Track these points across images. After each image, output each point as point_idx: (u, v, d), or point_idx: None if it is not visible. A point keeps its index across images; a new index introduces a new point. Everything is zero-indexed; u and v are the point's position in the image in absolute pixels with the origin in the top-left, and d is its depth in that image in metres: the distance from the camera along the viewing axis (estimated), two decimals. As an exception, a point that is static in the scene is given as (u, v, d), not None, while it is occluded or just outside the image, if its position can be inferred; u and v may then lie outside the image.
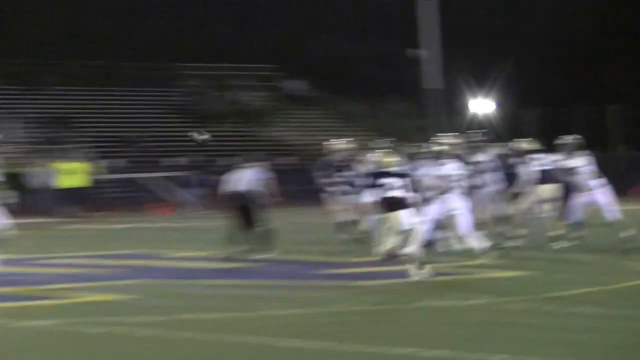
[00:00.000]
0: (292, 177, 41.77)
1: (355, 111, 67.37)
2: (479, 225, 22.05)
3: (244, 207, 23.29)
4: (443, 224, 21.95)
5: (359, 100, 68.10)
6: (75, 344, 12.83)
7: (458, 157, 22.27)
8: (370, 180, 19.73)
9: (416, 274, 17.95)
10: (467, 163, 22.57)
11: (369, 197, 20.10)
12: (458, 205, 21.19)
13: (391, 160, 19.40)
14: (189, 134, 49.05)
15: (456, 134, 25.69)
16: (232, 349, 12.30)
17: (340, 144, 24.77)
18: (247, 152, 25.96)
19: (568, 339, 12.20)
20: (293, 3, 75.28)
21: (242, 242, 23.16)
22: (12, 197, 20.39)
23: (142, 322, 14.03)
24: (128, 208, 44.64)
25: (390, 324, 14.10)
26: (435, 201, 21.14)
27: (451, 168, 21.62)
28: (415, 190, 19.22)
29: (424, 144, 24.48)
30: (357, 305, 15.60)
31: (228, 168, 24.59)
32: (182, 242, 27.53)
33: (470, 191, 22.13)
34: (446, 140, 23.05)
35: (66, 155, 44.63)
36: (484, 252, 20.65)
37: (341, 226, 23.96)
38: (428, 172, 21.59)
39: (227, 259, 22.21)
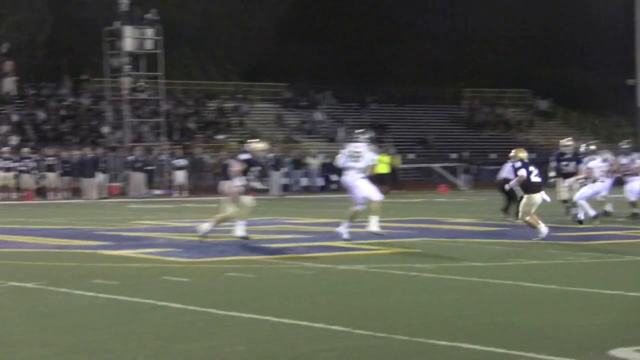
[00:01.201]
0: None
1: (585, 123, 66.96)
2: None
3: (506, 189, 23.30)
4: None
5: (588, 114, 67.73)
6: (380, 282, 12.81)
7: None
8: None
9: None
10: None
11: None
12: None
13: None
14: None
15: None
16: (488, 287, 12.18)
17: (566, 142, 24.62)
18: (506, 152, 25.57)
19: None
20: (531, 40, 74.81)
21: (507, 213, 23.19)
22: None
23: (425, 268, 14.02)
24: (419, 188, 44.82)
25: (606, 271, 13.78)
26: None
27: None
28: None
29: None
30: (577, 259, 15.28)
31: (495, 162, 24.91)
32: (456, 212, 27.43)
33: None
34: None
35: (378, 151, 44.99)
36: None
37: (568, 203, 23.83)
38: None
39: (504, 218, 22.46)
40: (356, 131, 19.15)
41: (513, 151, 19.84)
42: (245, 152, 18.55)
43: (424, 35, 72.96)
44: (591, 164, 23.00)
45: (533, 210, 18.42)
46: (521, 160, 19.03)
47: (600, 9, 70.63)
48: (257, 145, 18.71)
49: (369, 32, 75.29)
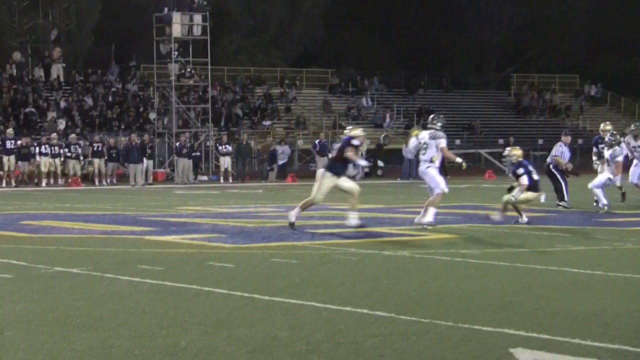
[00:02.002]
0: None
1: (633, 107, 66.50)
2: None
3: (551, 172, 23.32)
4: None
5: (636, 99, 67.37)
6: (425, 267, 12.78)
7: None
8: None
9: None
10: None
11: None
12: None
13: None
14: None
15: None
16: (533, 273, 12.10)
17: (604, 127, 24.26)
18: (554, 138, 25.45)
19: None
20: (585, 30, 74.24)
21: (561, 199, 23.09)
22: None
23: (470, 254, 13.97)
24: (465, 174, 44.43)
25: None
26: None
27: None
28: None
29: None
30: (623, 244, 15.16)
31: (543, 147, 24.74)
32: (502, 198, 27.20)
33: None
34: None
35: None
36: None
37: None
38: None
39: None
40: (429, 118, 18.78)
41: (507, 150, 19.70)
42: (350, 137, 17.82)
43: (472, 21, 72.60)
44: (606, 153, 22.79)
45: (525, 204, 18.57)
46: (519, 161, 18.93)
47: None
48: (358, 132, 18.24)
49: (416, 18, 75.09)
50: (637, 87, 70.41)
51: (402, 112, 59.16)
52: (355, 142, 17.75)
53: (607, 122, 25.17)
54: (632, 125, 26.16)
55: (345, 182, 17.90)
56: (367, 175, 42.11)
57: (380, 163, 47.07)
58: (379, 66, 67.10)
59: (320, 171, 18.20)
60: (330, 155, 18.49)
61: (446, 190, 18.02)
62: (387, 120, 57.60)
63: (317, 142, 43.00)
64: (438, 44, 72.98)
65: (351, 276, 11.88)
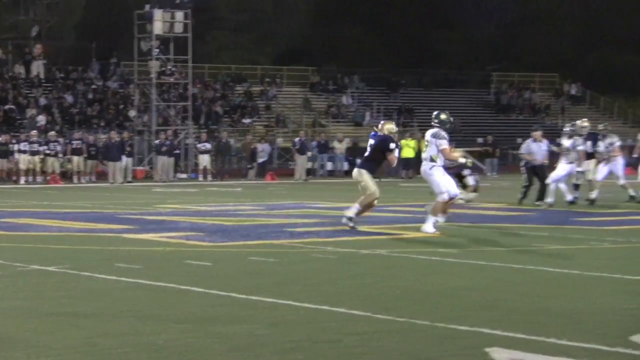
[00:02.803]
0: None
1: (612, 106, 66.84)
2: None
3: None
4: None
5: (615, 98, 67.70)
6: (403, 266, 12.80)
7: None
8: None
9: None
10: None
11: None
12: None
13: None
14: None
15: None
16: (511, 272, 12.13)
17: (581, 123, 24.33)
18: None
19: None
20: (574, 27, 74.41)
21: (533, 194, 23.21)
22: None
23: (448, 253, 13.99)
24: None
25: (628, 257, 13.71)
26: None
27: None
28: None
29: None
30: (600, 244, 15.23)
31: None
32: (481, 197, 27.24)
33: None
34: None
35: (405, 135, 44.91)
36: None
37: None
38: None
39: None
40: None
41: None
42: (386, 137, 17.46)
43: (452, 19, 72.71)
44: (566, 142, 23.05)
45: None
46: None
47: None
48: (391, 127, 17.82)
49: (402, 15, 75.10)
50: (616, 85, 70.65)
51: (382, 111, 59.17)
52: (391, 145, 17.34)
53: (585, 119, 25.31)
54: (601, 125, 26.22)
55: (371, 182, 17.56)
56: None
57: (359, 161, 47.07)
58: (360, 64, 67.12)
59: (356, 170, 17.92)
60: (365, 154, 18.05)
61: (452, 194, 17.47)
62: (367, 118, 57.60)
63: (297, 140, 43.00)
64: (423, 41, 72.99)
65: (330, 275, 11.89)
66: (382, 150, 17.45)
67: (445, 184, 17.30)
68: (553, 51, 73.69)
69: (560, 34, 73.98)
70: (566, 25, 73.91)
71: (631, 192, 24.61)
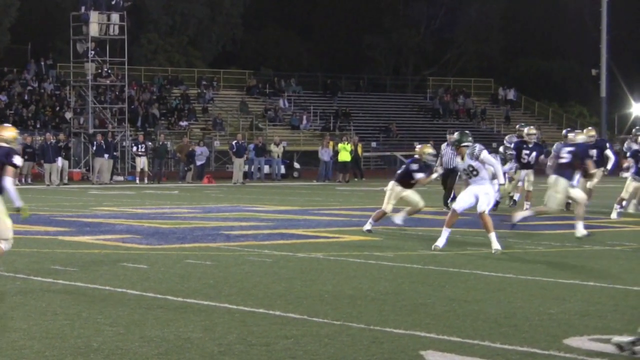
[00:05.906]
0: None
1: (547, 112, 67.57)
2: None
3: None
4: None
5: (550, 103, 68.45)
6: (338, 270, 12.76)
7: None
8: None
9: None
10: None
11: None
12: None
13: None
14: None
15: None
16: (446, 275, 12.18)
17: (528, 130, 24.25)
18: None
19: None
20: (502, 34, 75.12)
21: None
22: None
23: (383, 257, 14.02)
24: (381, 176, 44.78)
25: (563, 261, 13.82)
26: None
27: None
28: None
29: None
30: (535, 248, 15.34)
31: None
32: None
33: None
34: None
35: (342, 139, 44.99)
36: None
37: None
38: None
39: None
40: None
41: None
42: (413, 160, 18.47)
43: (389, 23, 72.98)
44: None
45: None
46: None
47: (566, -1, 71.02)
48: (428, 150, 18.57)
49: (336, 19, 75.26)
50: (551, 91, 71.49)
51: (319, 114, 59.24)
52: (414, 166, 18.18)
53: (532, 126, 25.26)
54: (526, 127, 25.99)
55: (412, 195, 18.33)
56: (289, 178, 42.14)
57: (296, 165, 47.17)
58: (297, 67, 67.14)
59: (391, 183, 18.31)
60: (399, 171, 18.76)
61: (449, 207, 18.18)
62: (304, 122, 57.66)
63: (234, 143, 42.84)
64: (357, 46, 73.23)
65: (265, 278, 11.86)
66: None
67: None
68: (484, 57, 74.33)
69: (489, 40, 74.62)
70: (493, 32, 74.55)
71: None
